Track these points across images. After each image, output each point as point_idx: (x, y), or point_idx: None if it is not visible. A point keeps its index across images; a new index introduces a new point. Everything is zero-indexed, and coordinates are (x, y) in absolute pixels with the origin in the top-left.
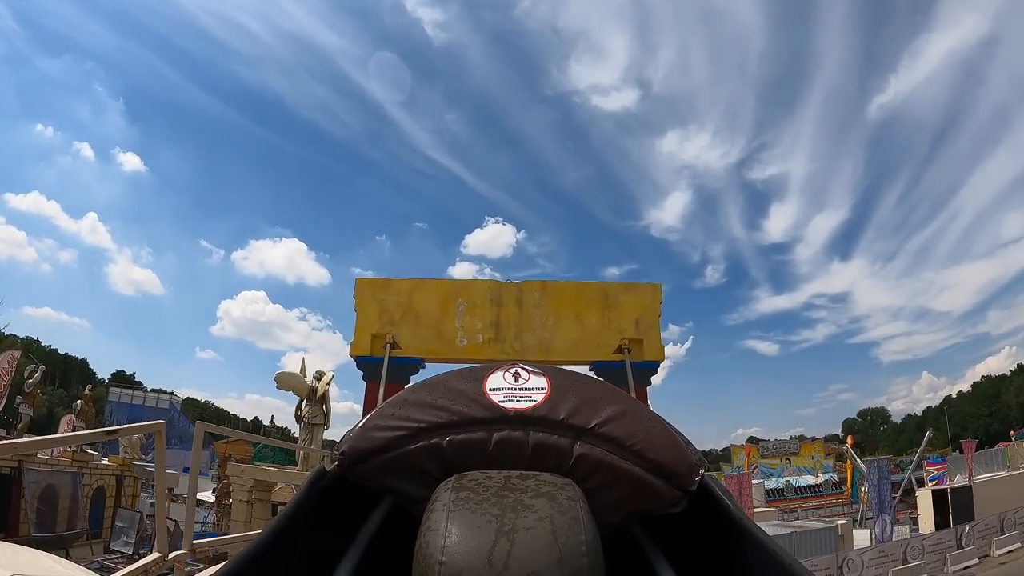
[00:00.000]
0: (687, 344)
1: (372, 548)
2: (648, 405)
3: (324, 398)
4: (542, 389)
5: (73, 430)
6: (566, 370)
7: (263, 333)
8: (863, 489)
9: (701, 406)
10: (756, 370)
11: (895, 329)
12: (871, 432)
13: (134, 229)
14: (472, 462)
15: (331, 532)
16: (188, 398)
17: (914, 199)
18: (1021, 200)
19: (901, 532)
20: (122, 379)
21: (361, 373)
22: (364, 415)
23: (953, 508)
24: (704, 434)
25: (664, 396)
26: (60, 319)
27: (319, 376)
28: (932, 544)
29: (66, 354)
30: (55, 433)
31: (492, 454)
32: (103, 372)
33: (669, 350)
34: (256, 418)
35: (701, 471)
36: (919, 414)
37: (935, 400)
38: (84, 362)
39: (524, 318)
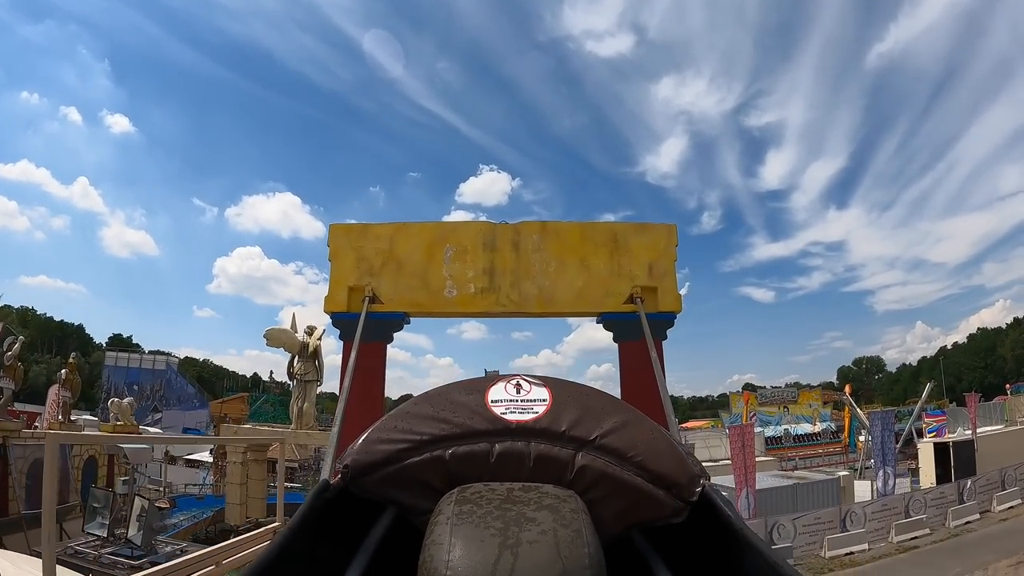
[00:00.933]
0: (683, 290)
1: (376, 560)
2: (663, 362)
3: (316, 353)
4: (544, 401)
5: (58, 400)
6: (568, 381)
7: (260, 289)
8: (861, 438)
9: (697, 352)
10: (751, 317)
11: (890, 279)
12: (866, 381)
13: (126, 191)
14: (475, 474)
15: (336, 544)
16: (187, 357)
17: (912, 149)
18: (1020, 153)
19: (901, 484)
20: (119, 342)
21: (339, 332)
22: (342, 379)
23: (955, 462)
24: (700, 380)
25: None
26: (56, 286)
27: (310, 331)
28: (934, 498)
29: (62, 321)
30: (45, 402)
31: (494, 466)
32: (100, 337)
33: None
34: (255, 374)
35: (702, 481)
36: (914, 364)
37: (929, 350)
38: (80, 328)
39: (522, 264)
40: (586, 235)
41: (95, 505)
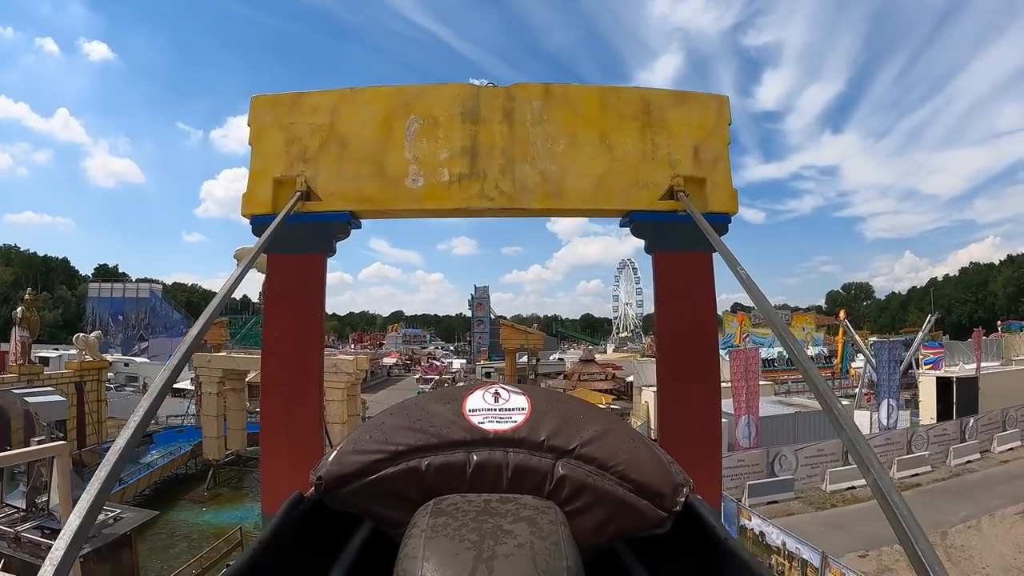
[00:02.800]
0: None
1: (353, 572)
2: (714, 282)
3: None
4: (522, 409)
5: (14, 340)
6: (547, 390)
7: None
8: (854, 365)
9: None
10: (741, 237)
11: (882, 207)
12: (854, 307)
13: (108, 120)
14: (452, 485)
15: (312, 557)
16: (175, 283)
17: (912, 78)
18: (1020, 92)
19: (900, 417)
20: (105, 273)
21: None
22: (267, 308)
23: (957, 399)
24: None
25: (642, 260)
26: (43, 221)
27: None
28: (937, 435)
29: (46, 256)
30: (40, 340)
31: (472, 477)
32: (87, 269)
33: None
34: (245, 296)
35: (685, 491)
36: (903, 292)
37: (916, 280)
38: (65, 261)
39: (517, 141)
40: (607, 103)
41: (15, 470)
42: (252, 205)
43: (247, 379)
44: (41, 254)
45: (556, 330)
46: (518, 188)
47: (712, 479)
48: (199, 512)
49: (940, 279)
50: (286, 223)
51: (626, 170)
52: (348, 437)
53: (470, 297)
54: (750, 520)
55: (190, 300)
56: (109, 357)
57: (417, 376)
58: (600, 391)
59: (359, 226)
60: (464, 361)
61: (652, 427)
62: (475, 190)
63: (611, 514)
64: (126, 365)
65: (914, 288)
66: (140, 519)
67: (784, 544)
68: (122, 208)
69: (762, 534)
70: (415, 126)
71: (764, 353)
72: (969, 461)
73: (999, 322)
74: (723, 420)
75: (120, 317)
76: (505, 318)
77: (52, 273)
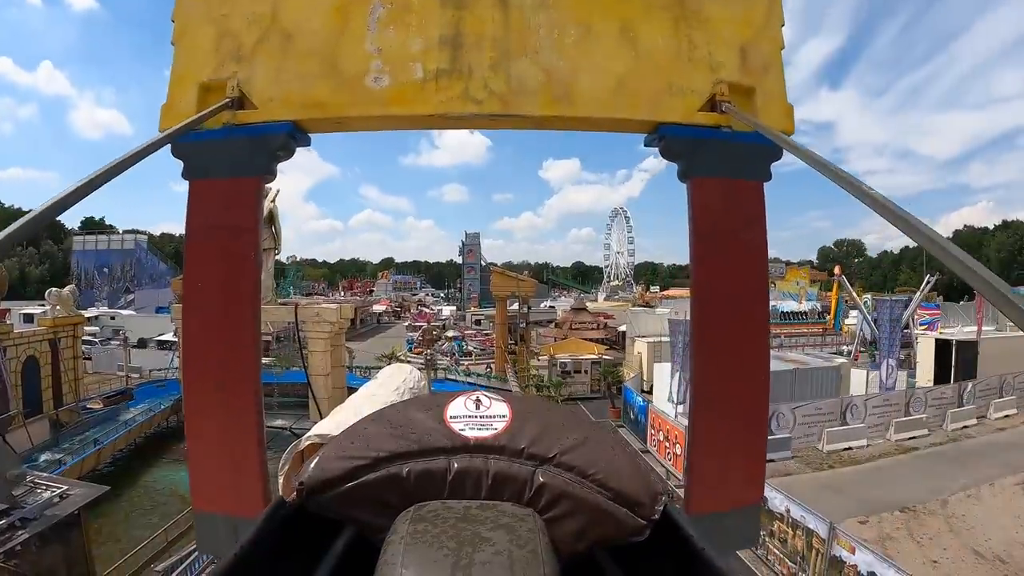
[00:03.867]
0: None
1: None
2: (766, 219)
3: (271, 218)
4: (503, 416)
5: None
6: (528, 397)
7: None
8: (848, 321)
9: (672, 219)
10: None
11: (876, 165)
12: (846, 263)
13: (93, 71)
14: (433, 492)
15: (295, 561)
16: (164, 234)
17: (913, 37)
18: (1021, 58)
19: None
20: (91, 225)
21: (182, 165)
22: (188, 242)
23: (956, 362)
24: (675, 247)
25: (641, 208)
26: (29, 176)
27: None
28: (935, 398)
29: (31, 211)
30: (27, 296)
31: (453, 483)
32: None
33: (649, 163)
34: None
35: (664, 500)
36: (895, 252)
37: (907, 240)
38: None
39: (514, 30)
40: None
41: None
42: (171, 118)
43: None
44: (27, 209)
45: (547, 277)
46: (514, 89)
47: (754, 471)
48: (180, 471)
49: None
50: (212, 139)
51: (655, 71)
52: (330, 443)
53: (460, 243)
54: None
55: (178, 250)
56: (95, 311)
57: (407, 323)
58: (592, 340)
59: (307, 142)
60: (454, 308)
61: (645, 379)
62: (457, 90)
63: (590, 522)
64: (112, 319)
65: (907, 248)
66: (89, 496)
67: (788, 511)
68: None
69: (764, 499)
70: (379, 11)
71: None
72: (966, 426)
73: None
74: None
75: (105, 270)
76: (496, 265)
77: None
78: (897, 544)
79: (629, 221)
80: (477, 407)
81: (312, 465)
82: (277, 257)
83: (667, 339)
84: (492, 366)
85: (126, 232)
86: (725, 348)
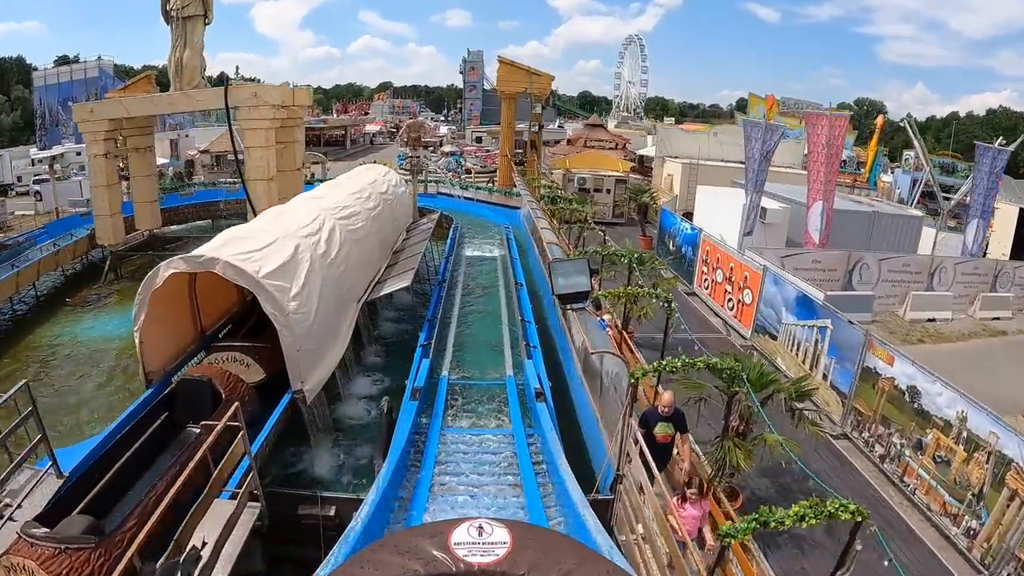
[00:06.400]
0: None
1: None
2: None
3: None
4: (504, 543)
5: None
6: (528, 525)
7: None
8: (885, 178)
9: (688, 59)
10: (751, 34)
11: (903, 31)
12: (865, 123)
13: None
14: None
15: None
16: (146, 65)
17: None
18: None
19: (950, 239)
20: (65, 63)
21: None
22: None
23: None
24: (689, 87)
25: (652, 43)
26: (8, 29)
27: None
28: (1022, 276)
29: None
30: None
31: None
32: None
33: None
34: (222, 73)
35: None
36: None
37: (923, 112)
38: (20, 60)
39: None
40: None
41: None
42: None
43: (154, 132)
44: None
45: (554, 103)
46: None
47: None
48: (81, 322)
49: (962, 116)
50: None
51: None
52: (342, 566)
53: (462, 61)
54: (892, 364)
55: (161, 81)
56: (60, 148)
57: (403, 141)
58: (614, 158)
59: None
60: (453, 127)
61: (678, 206)
62: None
63: None
64: (78, 154)
65: (932, 117)
66: None
67: (964, 416)
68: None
69: (913, 391)
70: None
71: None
72: None
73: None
74: (785, 208)
75: (70, 103)
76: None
77: (7, 75)
78: None
79: (644, 50)
80: (480, 534)
81: None
82: (208, 27)
83: (707, 162)
84: (495, 181)
85: (90, 60)
86: None
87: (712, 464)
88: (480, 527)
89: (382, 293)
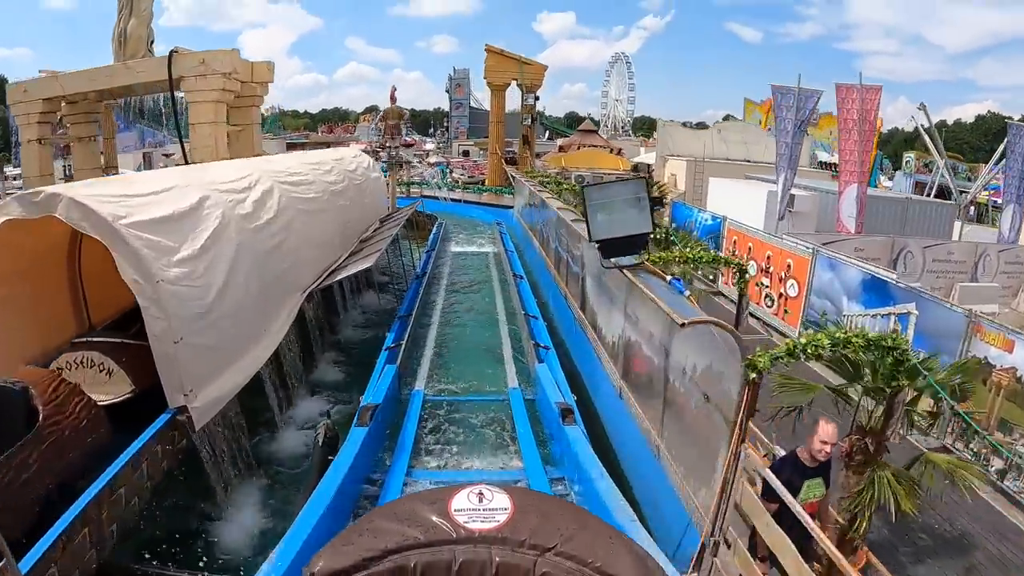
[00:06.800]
0: (667, 18)
1: None
2: None
3: None
4: (505, 509)
5: None
6: (529, 490)
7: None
8: (886, 182)
9: (673, 79)
10: (734, 55)
11: (884, 46)
12: None
13: None
14: None
15: None
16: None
17: None
18: None
19: (976, 231)
20: None
21: None
22: None
23: None
24: (674, 105)
25: (638, 65)
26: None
27: None
28: None
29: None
30: None
31: (458, 574)
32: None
33: (648, 22)
34: (175, 48)
35: None
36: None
37: (907, 126)
38: (3, 81)
39: None
40: None
41: None
42: None
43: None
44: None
45: (541, 121)
46: None
47: None
48: None
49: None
50: None
51: None
52: (341, 534)
53: (448, 78)
54: (1012, 352)
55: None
56: None
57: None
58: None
59: None
60: (443, 145)
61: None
62: None
63: None
64: None
65: (922, 126)
66: None
67: None
68: (80, 30)
69: None
70: None
71: None
72: None
73: None
74: (814, 195)
75: None
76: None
77: None
78: None
79: (630, 67)
80: (480, 500)
81: (322, 554)
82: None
83: (713, 160)
84: (483, 182)
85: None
86: None
87: (851, 509)
88: (480, 493)
89: (338, 278)
